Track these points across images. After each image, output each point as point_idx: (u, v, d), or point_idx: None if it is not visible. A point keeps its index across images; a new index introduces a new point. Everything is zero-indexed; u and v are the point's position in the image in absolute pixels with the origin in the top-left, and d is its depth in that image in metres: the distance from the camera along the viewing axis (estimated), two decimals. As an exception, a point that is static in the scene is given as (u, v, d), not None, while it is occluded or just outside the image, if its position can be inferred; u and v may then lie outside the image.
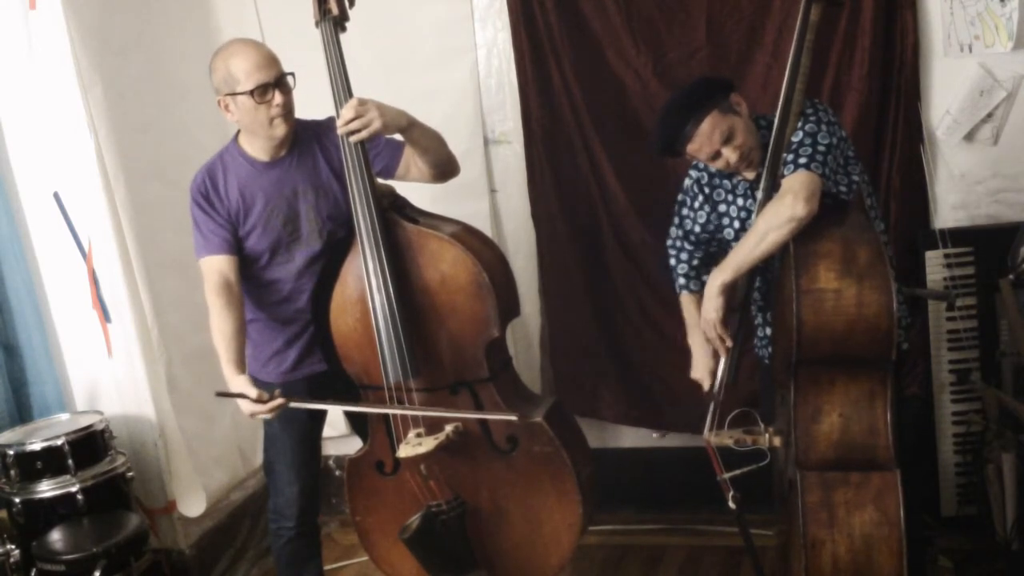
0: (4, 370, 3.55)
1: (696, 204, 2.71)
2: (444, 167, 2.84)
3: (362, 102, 2.61)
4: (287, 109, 2.68)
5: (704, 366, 2.72)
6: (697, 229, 2.73)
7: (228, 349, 2.64)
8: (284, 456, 2.91)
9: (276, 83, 2.64)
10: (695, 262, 2.77)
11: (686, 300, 2.80)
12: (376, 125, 2.60)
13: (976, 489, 3.27)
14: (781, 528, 2.65)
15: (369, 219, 2.67)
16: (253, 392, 2.56)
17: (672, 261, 2.82)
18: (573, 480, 2.70)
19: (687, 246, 2.77)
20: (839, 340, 2.24)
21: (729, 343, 2.56)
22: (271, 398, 2.58)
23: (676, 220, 2.77)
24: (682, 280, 2.81)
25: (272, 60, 2.65)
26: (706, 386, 2.72)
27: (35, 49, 3.31)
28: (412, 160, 2.81)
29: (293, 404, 2.64)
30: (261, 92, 2.62)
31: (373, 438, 2.87)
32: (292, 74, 2.69)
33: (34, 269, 3.58)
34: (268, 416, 2.61)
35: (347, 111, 2.61)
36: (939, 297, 3.15)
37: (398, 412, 2.73)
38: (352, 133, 2.63)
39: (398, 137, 2.81)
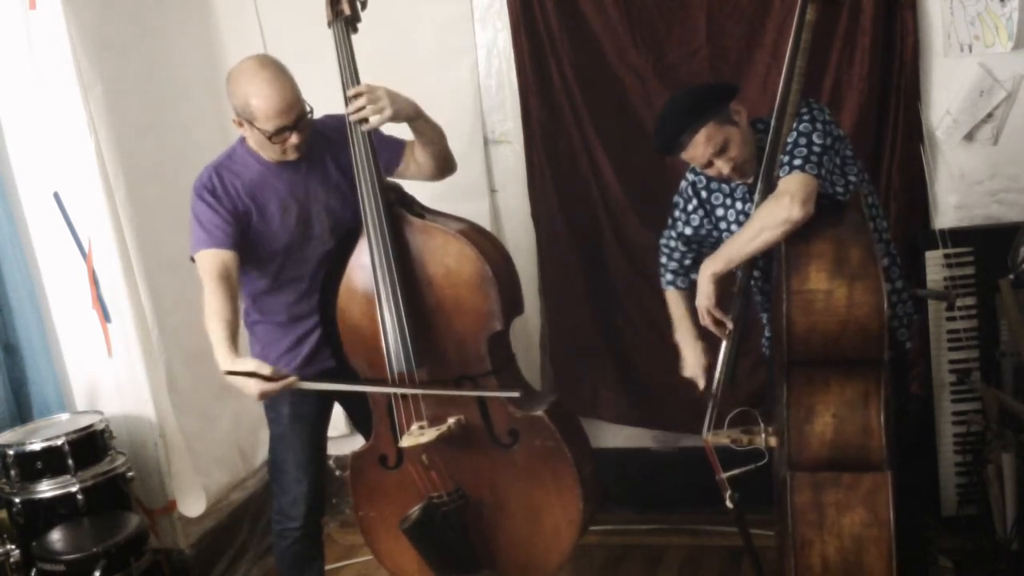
0: (4, 370, 3.55)
1: (689, 207, 2.71)
2: (444, 162, 2.88)
3: (372, 88, 2.64)
4: (301, 146, 2.68)
5: (695, 363, 2.73)
6: (688, 232, 2.73)
7: (229, 334, 2.53)
8: (292, 454, 2.91)
9: (294, 126, 2.62)
10: (687, 261, 2.78)
11: (672, 296, 2.81)
12: (388, 112, 2.64)
13: (976, 489, 3.27)
14: (779, 528, 2.65)
15: (376, 212, 2.70)
16: (267, 368, 2.46)
17: (663, 259, 2.82)
18: (574, 475, 2.71)
19: (680, 246, 2.77)
20: (830, 341, 2.24)
21: (730, 325, 2.54)
22: (282, 376, 2.51)
23: (670, 220, 2.78)
24: (669, 276, 2.81)
25: (292, 104, 2.60)
26: (701, 384, 2.72)
27: (35, 49, 3.31)
28: (412, 156, 2.85)
29: (303, 384, 2.59)
30: (278, 134, 2.62)
31: (377, 432, 2.89)
32: (311, 111, 2.67)
33: (34, 269, 3.58)
34: (277, 394, 2.53)
35: (360, 97, 2.64)
36: (939, 297, 3.15)
37: (422, 392, 2.74)
38: (363, 121, 2.65)
39: (399, 135, 2.82)
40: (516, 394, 2.69)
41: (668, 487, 3.90)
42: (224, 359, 2.49)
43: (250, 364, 2.48)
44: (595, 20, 3.59)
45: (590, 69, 3.63)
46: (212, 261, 2.64)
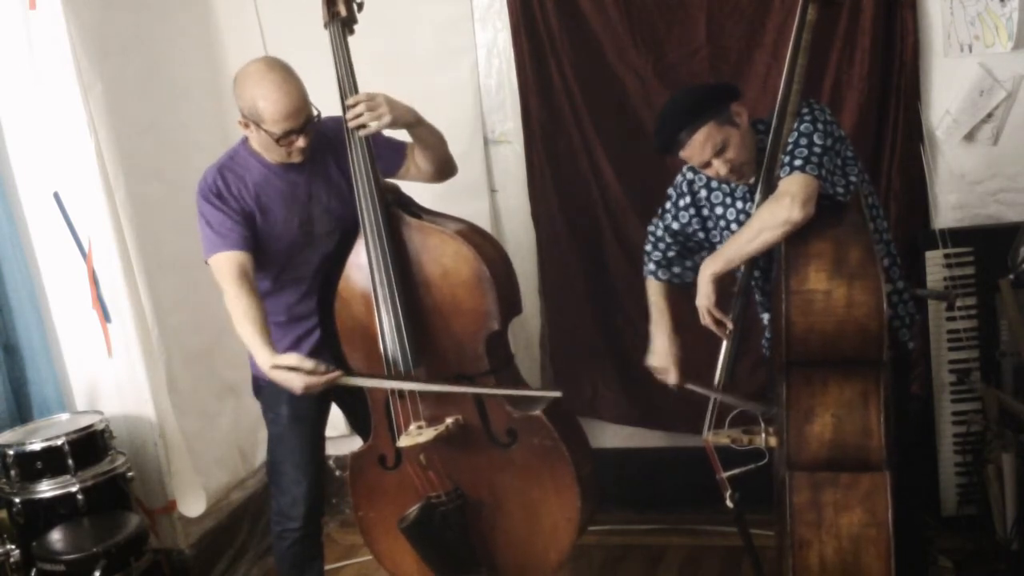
0: (4, 370, 3.55)
1: (680, 203, 2.72)
2: (444, 166, 2.88)
3: (371, 96, 2.65)
4: (307, 149, 2.69)
5: (664, 351, 2.74)
6: (675, 227, 2.74)
7: (262, 333, 2.56)
8: (292, 455, 2.90)
9: (301, 129, 2.62)
10: (671, 253, 2.78)
11: (652, 286, 2.82)
12: (386, 119, 2.64)
13: (976, 489, 3.27)
14: (779, 528, 2.65)
15: (373, 213, 2.70)
16: (309, 363, 2.50)
17: (648, 247, 2.82)
18: (572, 474, 2.72)
19: (666, 238, 2.78)
20: (829, 341, 2.24)
21: (730, 325, 2.54)
22: (327, 371, 2.53)
23: (660, 211, 2.79)
24: (652, 266, 2.81)
25: (300, 108, 2.60)
26: (672, 376, 2.73)
27: (35, 49, 3.31)
28: (412, 159, 2.85)
29: (347, 380, 2.61)
30: (285, 136, 2.62)
31: (375, 432, 2.89)
32: (319, 114, 2.67)
33: (34, 269, 3.58)
34: (321, 389, 2.54)
35: (358, 105, 2.64)
36: (939, 297, 3.15)
37: (448, 390, 2.73)
38: (361, 127, 2.65)
39: (399, 138, 2.82)
40: (558, 394, 2.71)
41: (668, 487, 3.90)
42: (265, 359, 2.53)
43: (291, 359, 2.52)
44: (595, 20, 3.59)
45: (590, 69, 3.63)
46: (229, 264, 2.64)
